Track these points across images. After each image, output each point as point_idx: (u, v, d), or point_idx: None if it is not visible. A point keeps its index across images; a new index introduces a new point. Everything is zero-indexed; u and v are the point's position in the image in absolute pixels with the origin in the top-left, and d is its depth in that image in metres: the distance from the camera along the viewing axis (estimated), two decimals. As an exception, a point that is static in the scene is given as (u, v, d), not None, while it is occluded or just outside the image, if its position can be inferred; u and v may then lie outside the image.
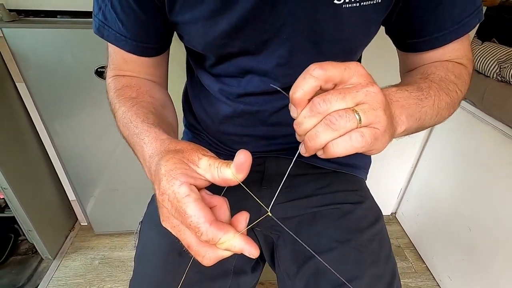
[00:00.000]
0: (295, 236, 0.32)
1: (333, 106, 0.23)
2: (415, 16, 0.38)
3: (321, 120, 0.24)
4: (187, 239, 0.26)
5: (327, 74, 0.23)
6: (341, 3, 0.34)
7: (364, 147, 0.24)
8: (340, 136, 0.23)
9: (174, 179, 0.25)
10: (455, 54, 0.41)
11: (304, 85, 0.24)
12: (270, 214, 0.27)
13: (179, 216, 0.24)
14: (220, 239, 0.24)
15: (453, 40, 0.39)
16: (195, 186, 0.26)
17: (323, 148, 0.25)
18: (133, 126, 0.35)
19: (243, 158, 0.25)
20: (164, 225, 0.27)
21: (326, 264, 0.37)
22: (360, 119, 0.23)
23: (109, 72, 0.45)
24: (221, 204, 0.27)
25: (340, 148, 0.24)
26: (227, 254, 0.26)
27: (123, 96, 0.40)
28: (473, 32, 0.43)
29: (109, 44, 0.42)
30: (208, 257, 0.26)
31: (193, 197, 0.24)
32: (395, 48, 0.46)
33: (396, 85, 0.34)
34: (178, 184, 0.25)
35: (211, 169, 0.26)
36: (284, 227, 0.31)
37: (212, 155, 0.28)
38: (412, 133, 0.35)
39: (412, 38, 0.41)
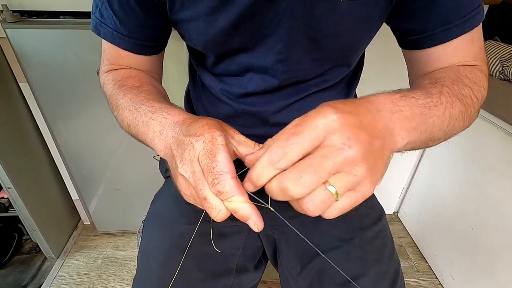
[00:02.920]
0: (298, 233, 0.31)
1: (306, 188, 0.22)
2: (415, 10, 0.37)
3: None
4: (205, 189, 0.25)
5: (289, 160, 0.22)
6: None
7: (349, 208, 0.23)
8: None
9: (215, 128, 0.26)
10: (464, 54, 0.37)
11: (265, 176, 0.23)
12: (272, 209, 0.27)
13: (207, 158, 0.24)
14: (234, 196, 0.24)
15: (459, 35, 0.36)
16: None
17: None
18: (146, 106, 0.34)
19: None
20: (182, 170, 0.26)
21: (331, 262, 0.37)
22: (336, 193, 0.22)
23: (104, 67, 0.44)
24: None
25: (329, 216, 0.23)
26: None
27: (127, 86, 0.40)
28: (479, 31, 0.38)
29: (103, 40, 0.42)
30: (223, 211, 0.25)
31: (226, 150, 0.25)
32: (397, 46, 0.44)
33: (400, 90, 0.30)
34: (218, 133, 0.26)
35: (247, 144, 0.28)
36: (288, 223, 0.30)
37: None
38: (419, 148, 0.31)
39: (414, 35, 0.38)
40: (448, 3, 0.35)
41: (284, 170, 0.23)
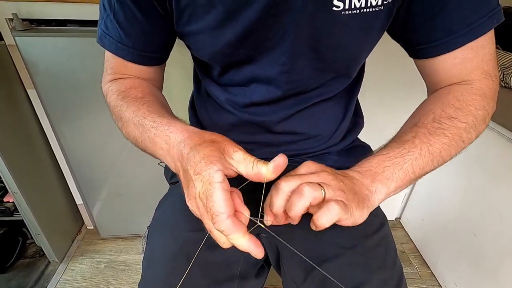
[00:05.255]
0: (291, 248, 0.37)
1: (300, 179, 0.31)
2: (420, 21, 0.37)
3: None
4: (210, 223, 0.27)
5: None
6: (340, 10, 0.34)
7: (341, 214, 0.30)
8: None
9: (213, 164, 0.27)
10: (466, 66, 0.38)
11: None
12: (262, 226, 0.31)
13: (205, 198, 0.26)
14: (231, 235, 0.26)
15: (465, 43, 0.36)
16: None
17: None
18: (149, 121, 0.35)
19: (282, 161, 0.28)
20: (188, 204, 0.28)
21: (329, 276, 0.39)
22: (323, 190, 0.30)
23: (107, 77, 0.45)
24: (234, 196, 0.30)
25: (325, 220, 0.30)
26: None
27: (130, 97, 0.40)
28: (491, 38, 0.38)
29: (107, 50, 0.43)
30: (228, 242, 0.29)
31: (224, 187, 0.26)
32: (396, 51, 0.45)
33: (378, 151, 0.37)
34: (215, 169, 0.27)
35: (246, 162, 0.29)
36: (280, 239, 0.36)
37: (244, 150, 0.30)
38: (411, 184, 0.37)
39: (421, 44, 0.39)
40: (453, 14, 0.35)
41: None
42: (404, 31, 0.40)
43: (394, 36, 0.42)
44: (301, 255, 0.36)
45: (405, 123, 0.43)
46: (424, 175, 0.37)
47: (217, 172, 0.26)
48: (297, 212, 0.29)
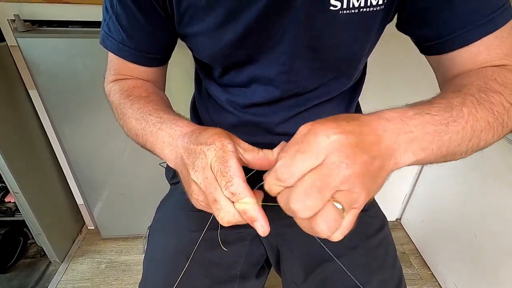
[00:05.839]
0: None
1: (312, 208, 0.22)
2: (429, 17, 0.35)
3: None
4: (216, 192, 0.26)
5: (295, 177, 0.23)
6: (338, 9, 0.34)
7: (352, 224, 0.25)
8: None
9: (225, 137, 0.28)
10: (491, 53, 0.34)
11: (274, 190, 0.25)
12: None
13: (219, 164, 0.26)
14: (245, 198, 0.26)
15: (481, 36, 0.33)
16: None
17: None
18: (155, 117, 0.36)
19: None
20: (194, 176, 0.28)
21: (342, 266, 0.38)
22: (343, 209, 0.23)
23: (110, 77, 0.45)
24: None
25: (339, 237, 0.25)
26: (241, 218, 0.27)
27: (134, 96, 0.41)
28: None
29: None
30: (231, 213, 0.26)
31: (237, 156, 0.27)
32: (397, 52, 0.43)
33: (418, 105, 0.29)
34: (228, 141, 0.27)
35: (251, 149, 0.29)
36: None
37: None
38: (437, 163, 0.30)
39: (432, 40, 0.36)
40: (464, 6, 0.33)
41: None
42: (416, 27, 0.37)
43: (405, 32, 0.40)
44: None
45: (443, 87, 0.37)
46: (449, 157, 0.30)
47: (230, 144, 0.27)
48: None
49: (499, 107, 0.30)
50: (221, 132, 0.29)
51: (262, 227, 0.26)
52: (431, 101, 0.30)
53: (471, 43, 0.34)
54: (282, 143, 0.28)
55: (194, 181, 0.28)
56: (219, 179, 0.26)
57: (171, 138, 0.32)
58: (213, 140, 0.27)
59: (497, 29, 0.33)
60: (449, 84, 0.36)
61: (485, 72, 0.33)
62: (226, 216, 0.26)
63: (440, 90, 0.40)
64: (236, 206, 0.26)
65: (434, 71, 0.41)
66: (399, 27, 0.40)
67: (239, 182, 0.26)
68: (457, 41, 0.34)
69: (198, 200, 0.29)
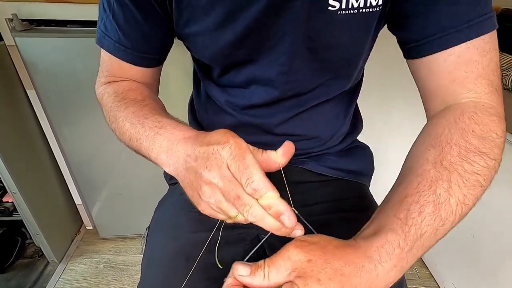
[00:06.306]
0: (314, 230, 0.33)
1: None
2: (412, 18, 0.35)
3: None
4: (238, 189, 0.26)
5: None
6: (336, 9, 0.33)
7: None
8: None
9: (237, 136, 0.28)
10: (470, 70, 0.33)
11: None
12: (296, 212, 0.28)
13: (238, 161, 0.26)
14: (267, 193, 0.25)
15: (461, 42, 0.32)
16: None
17: None
18: (152, 121, 0.35)
19: (289, 144, 0.28)
20: (209, 176, 0.27)
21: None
22: None
23: (102, 79, 0.44)
24: None
25: None
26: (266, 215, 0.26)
27: (129, 98, 0.40)
28: (495, 45, 0.34)
29: (103, 51, 0.42)
30: (255, 207, 0.26)
31: (252, 155, 0.27)
32: (396, 53, 0.42)
33: (412, 225, 0.28)
34: (241, 139, 0.27)
35: (256, 151, 0.29)
36: (308, 225, 0.33)
37: None
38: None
39: (413, 42, 0.36)
40: (447, 10, 0.32)
41: None
42: (399, 28, 0.37)
43: (392, 32, 0.40)
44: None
45: (420, 148, 0.34)
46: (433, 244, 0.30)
47: (243, 142, 0.27)
48: None
49: (485, 172, 0.30)
50: (231, 132, 0.29)
51: (289, 218, 0.26)
52: (420, 210, 0.29)
53: (450, 47, 0.33)
54: (287, 142, 0.28)
55: (209, 181, 0.27)
56: (238, 176, 0.26)
57: (170, 142, 0.32)
58: (227, 139, 0.27)
59: (479, 36, 0.32)
60: (426, 134, 0.35)
61: (461, 124, 0.32)
62: (251, 210, 0.26)
63: (427, 116, 0.39)
64: (260, 202, 0.26)
65: (417, 85, 0.39)
66: (389, 26, 0.40)
67: (260, 178, 0.25)
68: (436, 44, 0.34)
69: (209, 203, 0.28)
